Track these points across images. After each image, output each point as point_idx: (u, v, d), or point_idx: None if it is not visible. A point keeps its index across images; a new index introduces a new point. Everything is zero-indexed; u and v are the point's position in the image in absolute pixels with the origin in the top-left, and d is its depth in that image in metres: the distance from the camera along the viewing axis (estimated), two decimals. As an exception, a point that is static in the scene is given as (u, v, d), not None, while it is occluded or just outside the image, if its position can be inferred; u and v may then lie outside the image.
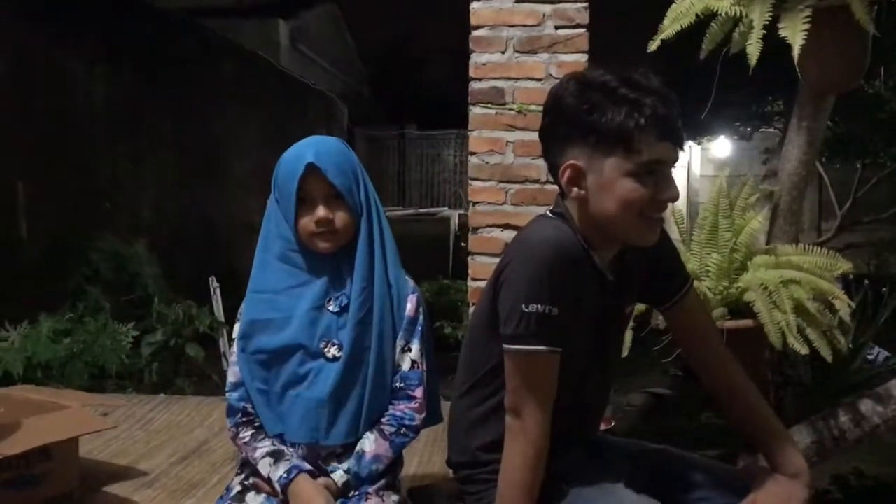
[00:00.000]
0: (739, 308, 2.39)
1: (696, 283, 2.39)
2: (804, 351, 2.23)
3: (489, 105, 2.96)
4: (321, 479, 1.55)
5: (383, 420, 1.61)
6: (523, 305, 1.36)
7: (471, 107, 2.99)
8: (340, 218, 1.57)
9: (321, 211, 1.55)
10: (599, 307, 1.48)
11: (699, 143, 12.53)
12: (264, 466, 1.54)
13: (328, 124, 11.32)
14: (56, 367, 3.63)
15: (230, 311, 5.01)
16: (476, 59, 2.95)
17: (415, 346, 1.64)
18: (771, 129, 9.59)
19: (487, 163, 2.98)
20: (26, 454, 1.92)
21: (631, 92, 1.34)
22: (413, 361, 1.63)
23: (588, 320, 1.47)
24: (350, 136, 12.29)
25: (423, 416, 1.63)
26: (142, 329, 4.09)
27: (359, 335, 1.57)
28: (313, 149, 1.56)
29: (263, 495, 1.57)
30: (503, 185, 2.98)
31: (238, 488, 1.62)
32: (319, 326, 1.57)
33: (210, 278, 5.10)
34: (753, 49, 2.16)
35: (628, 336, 2.51)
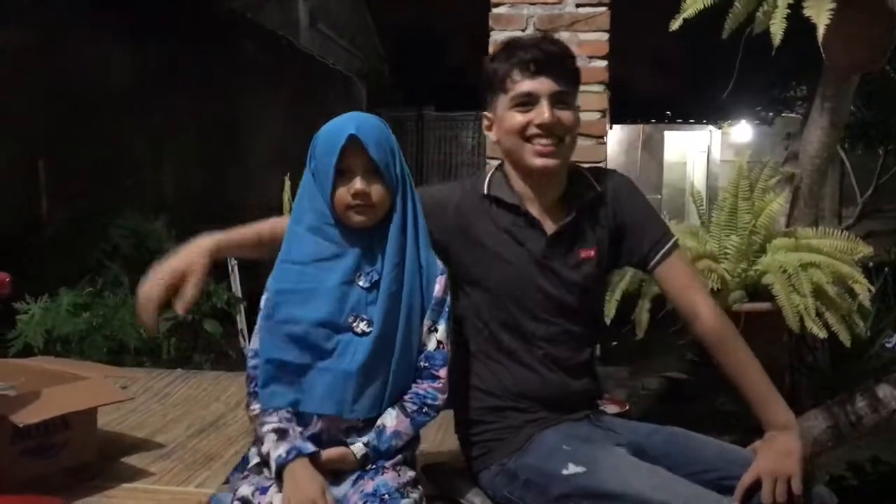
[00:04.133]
0: (758, 291, 2.38)
1: (713, 264, 2.39)
2: (822, 335, 2.22)
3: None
4: (340, 449, 1.56)
5: (406, 397, 1.61)
6: None
7: (489, 85, 2.96)
8: (377, 192, 1.56)
9: (358, 183, 1.55)
10: (523, 243, 1.66)
11: (720, 128, 12.42)
12: (268, 442, 1.54)
13: (347, 104, 11.27)
14: (75, 340, 3.66)
15: (248, 289, 5.04)
16: (496, 36, 2.92)
17: (441, 327, 1.63)
18: (793, 115, 9.48)
19: (505, 142, 2.95)
20: (45, 423, 1.94)
21: (511, 44, 1.66)
22: (439, 342, 1.63)
23: (506, 248, 1.66)
24: (369, 116, 12.23)
25: (445, 396, 1.64)
26: (160, 305, 4.11)
27: (389, 312, 1.57)
28: (354, 122, 1.56)
29: None
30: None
31: (257, 459, 1.62)
32: (348, 301, 1.57)
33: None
34: (777, 28, 2.14)
35: (644, 318, 2.52)
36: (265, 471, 1.57)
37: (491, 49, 2.93)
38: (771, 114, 9.86)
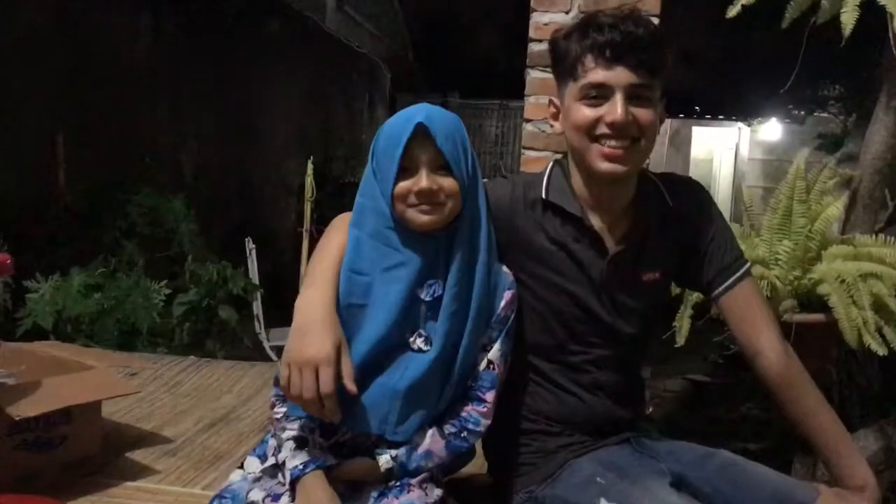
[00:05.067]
0: (810, 301, 2.22)
1: (764, 270, 2.23)
2: (882, 351, 2.06)
3: (549, 69, 2.77)
4: (365, 460, 1.44)
5: (446, 418, 1.47)
6: None
7: (528, 70, 2.78)
8: (447, 188, 1.39)
9: (424, 180, 1.37)
10: (581, 264, 1.48)
11: (749, 125, 12.18)
12: (286, 450, 1.42)
13: (371, 89, 11.17)
14: (86, 322, 3.56)
15: (264, 274, 4.94)
16: (537, 18, 2.73)
17: (497, 346, 1.47)
18: (825, 114, 9.27)
19: (543, 131, 2.79)
20: (46, 416, 1.83)
21: (587, 20, 1.42)
22: (490, 362, 1.47)
23: (560, 268, 1.49)
24: (392, 101, 12.12)
25: (489, 422, 1.48)
26: (174, 287, 4.01)
27: (451, 330, 1.42)
28: (424, 111, 1.40)
29: None
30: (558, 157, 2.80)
31: (273, 460, 1.49)
32: (409, 316, 1.42)
33: (246, 239, 5.02)
34: (849, 17, 1.99)
35: (685, 324, 2.37)
36: (280, 475, 1.45)
37: (532, 32, 2.75)
38: (803, 113, 9.66)
